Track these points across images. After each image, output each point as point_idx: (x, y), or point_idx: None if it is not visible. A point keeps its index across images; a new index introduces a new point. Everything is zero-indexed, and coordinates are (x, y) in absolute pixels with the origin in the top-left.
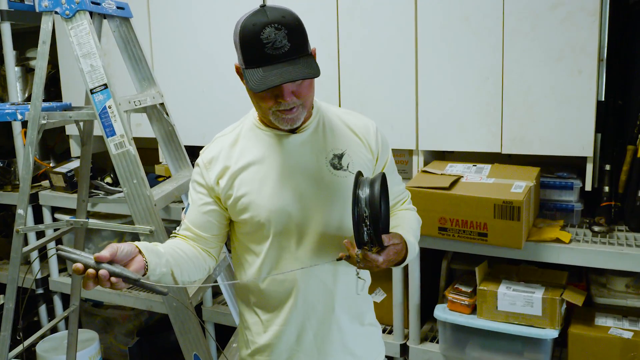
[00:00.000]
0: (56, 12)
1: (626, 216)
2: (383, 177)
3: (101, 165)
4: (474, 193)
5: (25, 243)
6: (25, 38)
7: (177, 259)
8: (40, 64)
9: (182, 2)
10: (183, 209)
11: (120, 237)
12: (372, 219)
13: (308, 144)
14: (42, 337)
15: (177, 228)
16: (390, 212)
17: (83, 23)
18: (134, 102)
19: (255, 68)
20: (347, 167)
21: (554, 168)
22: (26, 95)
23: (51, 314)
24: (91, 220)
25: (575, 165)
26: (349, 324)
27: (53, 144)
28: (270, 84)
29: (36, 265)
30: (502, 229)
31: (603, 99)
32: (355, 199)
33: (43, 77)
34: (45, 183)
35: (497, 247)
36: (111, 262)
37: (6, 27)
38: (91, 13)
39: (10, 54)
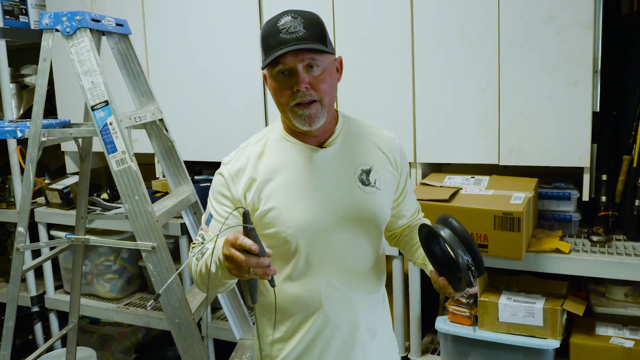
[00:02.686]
0: (57, 30)
1: (624, 226)
2: (448, 218)
3: (97, 181)
4: (473, 205)
5: None
6: (20, 55)
7: None
8: (40, 82)
9: (177, 19)
10: (204, 220)
11: (117, 253)
12: (476, 265)
13: (336, 159)
14: (39, 355)
15: (198, 239)
16: (412, 221)
17: (84, 40)
18: (134, 118)
19: (272, 52)
20: (375, 183)
21: (551, 179)
22: (21, 112)
23: (47, 332)
24: (92, 237)
25: (572, 175)
26: (371, 341)
27: (47, 160)
28: (275, 55)
29: (32, 282)
30: (503, 240)
31: (598, 110)
32: (451, 248)
33: (44, 95)
34: (41, 200)
35: (497, 258)
36: None
37: (1, 45)
38: (90, 30)
39: (5, 71)
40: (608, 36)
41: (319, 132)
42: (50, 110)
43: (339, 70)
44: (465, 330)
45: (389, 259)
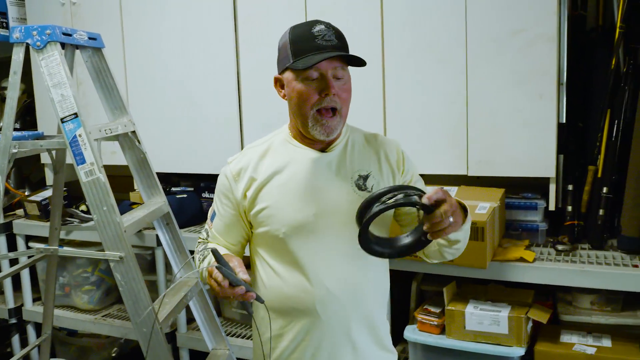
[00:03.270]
0: (28, 44)
1: (589, 235)
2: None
3: (77, 193)
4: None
5: None
6: (0, 68)
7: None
8: (11, 94)
9: (155, 33)
10: (209, 216)
11: (95, 264)
12: (397, 187)
13: (335, 163)
14: None
15: (203, 234)
16: None
17: (54, 54)
18: (105, 130)
19: (306, 56)
20: (372, 188)
21: (519, 189)
22: (0, 124)
23: (25, 344)
24: (61, 248)
25: (539, 186)
26: (366, 347)
27: (29, 172)
28: (318, 59)
29: (9, 294)
30: (467, 249)
31: (564, 122)
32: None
33: (14, 107)
34: (20, 212)
35: (463, 267)
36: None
37: None
38: (63, 44)
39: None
40: (574, 50)
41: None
42: (31, 122)
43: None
44: (433, 339)
45: None
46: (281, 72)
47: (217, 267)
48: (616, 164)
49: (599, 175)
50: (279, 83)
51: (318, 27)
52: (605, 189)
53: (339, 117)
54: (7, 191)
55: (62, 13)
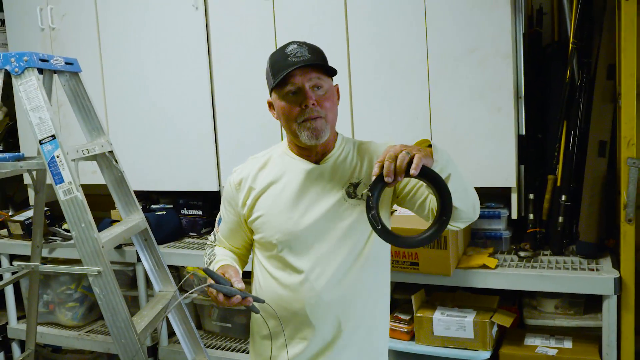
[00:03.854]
0: (7, 70)
1: (550, 241)
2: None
3: (59, 213)
4: (405, 225)
5: None
6: None
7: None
8: None
9: (132, 56)
10: (217, 220)
11: (78, 281)
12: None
13: (328, 173)
14: None
15: (211, 237)
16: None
17: (32, 79)
18: (82, 150)
19: (282, 74)
20: (362, 196)
21: (484, 199)
22: None
23: None
24: (41, 265)
25: (503, 195)
26: (355, 356)
27: (12, 192)
28: (286, 71)
29: None
30: (432, 258)
31: (524, 133)
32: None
33: None
34: (4, 232)
35: (429, 275)
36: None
37: None
38: (41, 69)
39: None
40: (532, 64)
41: (320, 149)
42: (14, 144)
43: (337, 97)
44: (403, 345)
45: None
46: (270, 95)
47: (209, 285)
48: (573, 173)
49: (558, 184)
50: (271, 106)
51: (291, 47)
52: (564, 197)
53: (324, 120)
54: None
55: (42, 38)
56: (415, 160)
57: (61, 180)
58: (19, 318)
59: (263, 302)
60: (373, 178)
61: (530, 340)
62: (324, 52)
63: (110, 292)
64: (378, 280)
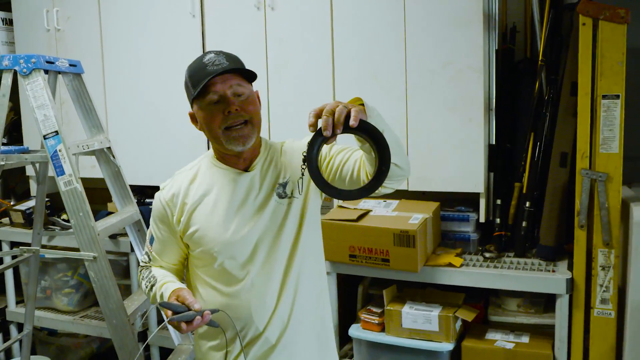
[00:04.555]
0: (15, 70)
1: (514, 244)
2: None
3: (59, 204)
4: (377, 224)
5: None
6: None
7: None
8: (0, 114)
9: (132, 58)
10: (148, 239)
11: (75, 269)
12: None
13: (257, 180)
14: None
15: (144, 257)
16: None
17: (38, 79)
18: (82, 146)
19: (201, 84)
20: (292, 193)
21: (456, 203)
22: None
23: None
24: (41, 249)
25: (473, 200)
26: (306, 352)
27: (14, 184)
28: (206, 79)
29: None
30: (401, 255)
31: (494, 143)
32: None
33: (2, 125)
34: (6, 220)
35: (398, 271)
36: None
37: None
38: (47, 70)
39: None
40: (503, 79)
41: (247, 155)
42: (17, 137)
43: (259, 102)
44: (374, 336)
45: None
46: (192, 107)
47: (169, 320)
48: (538, 182)
49: (524, 191)
50: (193, 118)
51: (208, 56)
52: (528, 204)
53: (251, 125)
54: None
55: (48, 38)
56: (353, 113)
57: (62, 173)
58: (17, 302)
59: (218, 311)
60: (310, 129)
61: (491, 335)
62: (241, 59)
63: (104, 277)
64: (318, 269)
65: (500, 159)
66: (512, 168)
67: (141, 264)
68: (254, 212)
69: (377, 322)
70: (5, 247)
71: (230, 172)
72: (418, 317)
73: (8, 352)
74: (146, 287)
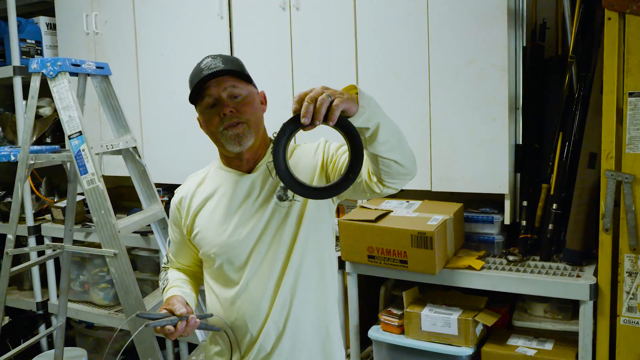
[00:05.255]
0: (43, 73)
1: (540, 247)
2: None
3: None
4: (395, 225)
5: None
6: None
7: (193, 287)
8: (28, 115)
9: (164, 59)
10: (166, 242)
11: None
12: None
13: (259, 182)
14: (33, 352)
15: (164, 260)
16: None
17: (63, 82)
18: (107, 145)
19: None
20: (293, 196)
21: (481, 204)
22: (34, 139)
23: (50, 334)
24: (67, 245)
25: (498, 202)
26: None
27: (58, 182)
28: (197, 82)
29: (37, 289)
30: (419, 256)
31: (521, 143)
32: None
33: (31, 126)
34: (48, 217)
35: (416, 272)
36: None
37: (17, 81)
38: (77, 73)
39: (20, 104)
40: (532, 76)
41: (249, 156)
42: (60, 137)
43: (264, 102)
44: (393, 338)
45: None
46: (194, 105)
47: (146, 325)
48: (566, 183)
49: (552, 192)
50: (200, 123)
51: (205, 61)
52: (555, 206)
53: (247, 126)
54: (37, 198)
55: (87, 42)
56: (334, 106)
57: (85, 172)
58: (58, 295)
59: (211, 316)
60: (292, 115)
61: (513, 341)
62: (240, 61)
63: (124, 273)
64: (320, 276)
65: (528, 159)
66: (540, 169)
67: (162, 265)
68: (252, 215)
69: (396, 324)
70: (47, 242)
71: (233, 175)
72: (437, 320)
73: (50, 344)
74: (162, 289)
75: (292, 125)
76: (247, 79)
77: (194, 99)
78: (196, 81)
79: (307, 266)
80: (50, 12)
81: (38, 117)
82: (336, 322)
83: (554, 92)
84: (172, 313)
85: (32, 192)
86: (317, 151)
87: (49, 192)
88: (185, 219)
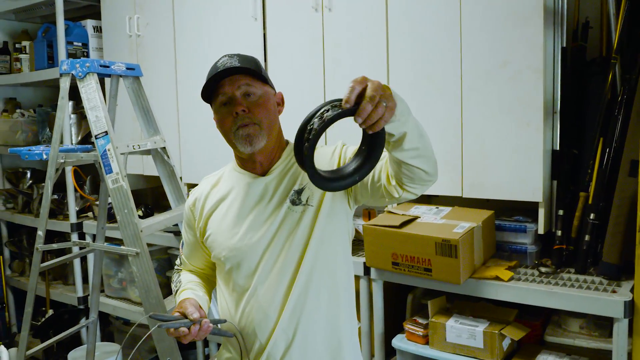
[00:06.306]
0: (72, 74)
1: (576, 259)
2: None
3: (141, 200)
4: (419, 232)
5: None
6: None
7: (206, 291)
8: (59, 115)
9: (201, 61)
10: (180, 243)
11: None
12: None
13: (273, 185)
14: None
15: (177, 261)
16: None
17: (91, 83)
18: (133, 146)
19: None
20: (307, 201)
21: (515, 212)
22: (79, 138)
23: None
24: (92, 243)
25: (533, 210)
26: None
27: (100, 180)
28: (210, 79)
29: (79, 285)
30: (443, 265)
31: (557, 148)
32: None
33: (61, 126)
34: (90, 214)
35: (440, 282)
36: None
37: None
38: (110, 74)
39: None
40: (573, 79)
41: (262, 158)
42: None
43: (280, 104)
44: (417, 348)
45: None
46: (210, 103)
47: (159, 325)
48: (604, 192)
49: (590, 202)
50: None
51: (222, 60)
52: (592, 215)
53: (258, 127)
54: (80, 196)
55: (129, 44)
56: (380, 119)
57: (110, 171)
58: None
59: (224, 321)
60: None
61: (543, 357)
62: (257, 60)
63: (146, 272)
64: (333, 285)
65: (565, 166)
66: (578, 176)
67: (175, 267)
68: (265, 219)
69: (421, 334)
70: (89, 239)
71: (247, 177)
72: (462, 331)
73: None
74: (174, 291)
75: (344, 112)
76: (263, 79)
77: (209, 97)
78: (211, 81)
79: (318, 273)
80: (97, 15)
81: (84, 117)
82: (350, 332)
83: (595, 95)
84: (184, 316)
85: (76, 190)
86: (333, 154)
87: (93, 190)
88: (199, 220)
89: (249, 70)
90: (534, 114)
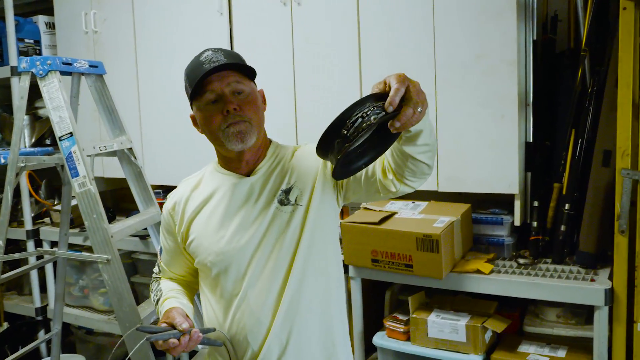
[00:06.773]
0: (32, 72)
1: (553, 249)
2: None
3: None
4: (399, 227)
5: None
6: (34, 89)
7: (189, 298)
8: (18, 116)
9: (164, 58)
10: (158, 250)
11: None
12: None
13: (259, 185)
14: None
15: (155, 269)
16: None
17: (54, 81)
18: (99, 147)
19: (197, 82)
20: (295, 200)
21: (491, 205)
22: (33, 140)
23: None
24: (58, 251)
25: (508, 202)
26: None
27: (59, 185)
28: (201, 77)
29: (37, 295)
30: (424, 260)
31: (531, 140)
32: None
33: (21, 127)
34: (47, 220)
35: (422, 277)
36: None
37: (15, 81)
38: (71, 72)
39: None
40: (544, 71)
41: (249, 156)
42: None
43: (264, 102)
44: (399, 345)
45: None
46: (192, 109)
47: (147, 339)
48: (578, 182)
49: (564, 192)
50: (194, 121)
51: (205, 54)
52: (567, 206)
53: (249, 123)
54: (36, 201)
55: (86, 41)
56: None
57: (77, 174)
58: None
59: (214, 330)
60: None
61: (524, 348)
62: (242, 57)
63: (118, 279)
64: (325, 286)
65: (538, 158)
66: (552, 167)
67: (153, 275)
68: (252, 221)
69: (402, 330)
70: (46, 246)
71: (232, 178)
72: (444, 326)
73: (50, 351)
74: (154, 301)
75: (387, 116)
76: (251, 76)
77: (192, 93)
78: (197, 75)
79: (311, 275)
80: (49, 11)
81: (38, 118)
82: (344, 331)
83: (566, 87)
84: (172, 327)
85: (31, 195)
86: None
87: (49, 194)
88: (180, 225)
89: (239, 66)
90: (508, 107)
